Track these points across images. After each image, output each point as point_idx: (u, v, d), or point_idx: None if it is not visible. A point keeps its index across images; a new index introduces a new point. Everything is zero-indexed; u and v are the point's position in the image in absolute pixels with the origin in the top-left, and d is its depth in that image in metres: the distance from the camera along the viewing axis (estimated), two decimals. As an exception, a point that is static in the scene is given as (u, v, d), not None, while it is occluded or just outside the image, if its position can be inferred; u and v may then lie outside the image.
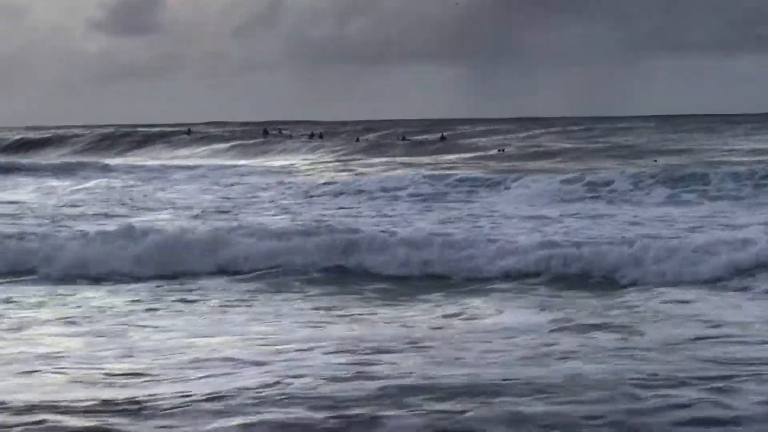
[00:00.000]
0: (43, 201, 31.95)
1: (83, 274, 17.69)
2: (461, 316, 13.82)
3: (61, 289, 16.35)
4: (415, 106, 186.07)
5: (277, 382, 9.71)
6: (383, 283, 16.93)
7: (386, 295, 15.81)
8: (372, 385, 9.54)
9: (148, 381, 10.00)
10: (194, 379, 10.04)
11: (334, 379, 9.82)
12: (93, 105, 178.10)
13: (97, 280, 17.37)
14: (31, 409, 8.93)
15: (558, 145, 64.20)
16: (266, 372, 10.21)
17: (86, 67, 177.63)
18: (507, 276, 17.26)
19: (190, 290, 16.23)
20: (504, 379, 9.76)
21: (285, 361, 10.78)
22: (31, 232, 21.14)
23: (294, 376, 9.95)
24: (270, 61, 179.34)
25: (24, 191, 36.70)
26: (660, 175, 32.47)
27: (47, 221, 24.92)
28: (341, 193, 33.69)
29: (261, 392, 9.34)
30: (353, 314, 14.03)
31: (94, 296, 15.75)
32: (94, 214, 26.98)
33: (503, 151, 59.85)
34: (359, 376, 9.96)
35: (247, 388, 9.47)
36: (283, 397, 9.19)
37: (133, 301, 15.36)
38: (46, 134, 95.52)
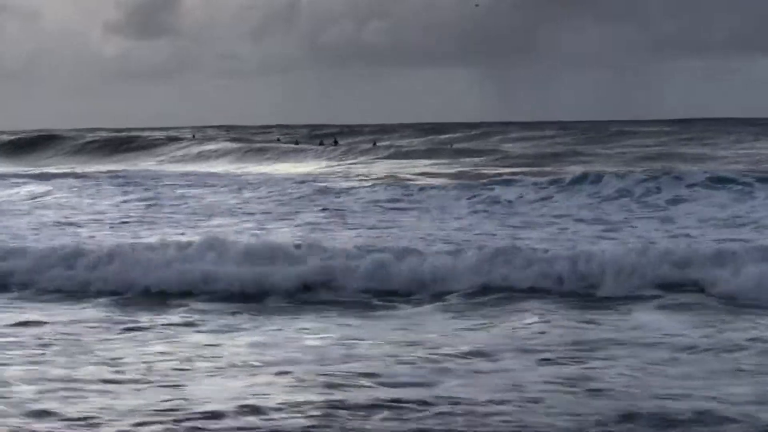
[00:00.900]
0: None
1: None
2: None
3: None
4: (432, 108, 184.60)
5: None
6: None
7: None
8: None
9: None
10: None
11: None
12: (108, 107, 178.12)
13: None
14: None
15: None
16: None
17: (102, 69, 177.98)
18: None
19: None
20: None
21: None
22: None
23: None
24: (286, 63, 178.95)
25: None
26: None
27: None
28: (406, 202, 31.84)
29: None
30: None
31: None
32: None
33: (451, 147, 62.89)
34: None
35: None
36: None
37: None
38: (43, 134, 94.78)
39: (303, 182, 39.09)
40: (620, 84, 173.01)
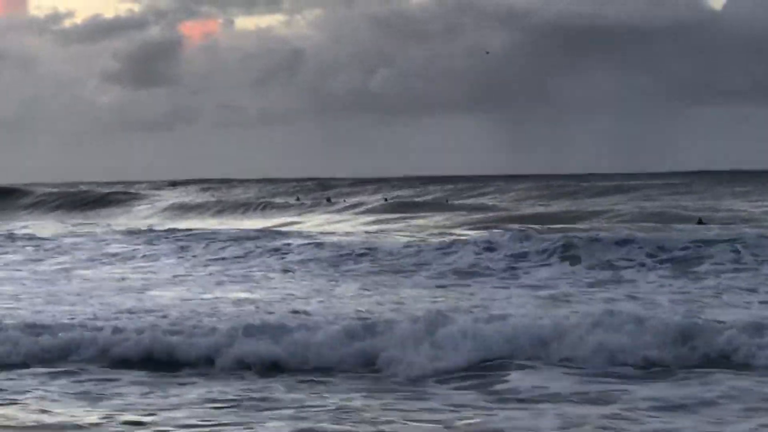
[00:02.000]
0: None
1: None
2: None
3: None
4: (442, 160, 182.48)
5: None
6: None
7: None
8: None
9: None
10: None
11: None
12: (105, 159, 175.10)
13: None
14: None
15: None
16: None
17: (98, 119, 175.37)
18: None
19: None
20: None
21: None
22: None
23: None
24: (289, 113, 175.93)
25: None
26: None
27: None
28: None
29: None
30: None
31: None
32: None
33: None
34: None
35: None
36: None
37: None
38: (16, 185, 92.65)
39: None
40: (634, 133, 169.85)
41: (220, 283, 25.89)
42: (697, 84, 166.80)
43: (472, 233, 34.94)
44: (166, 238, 36.35)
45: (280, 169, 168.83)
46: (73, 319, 18.59)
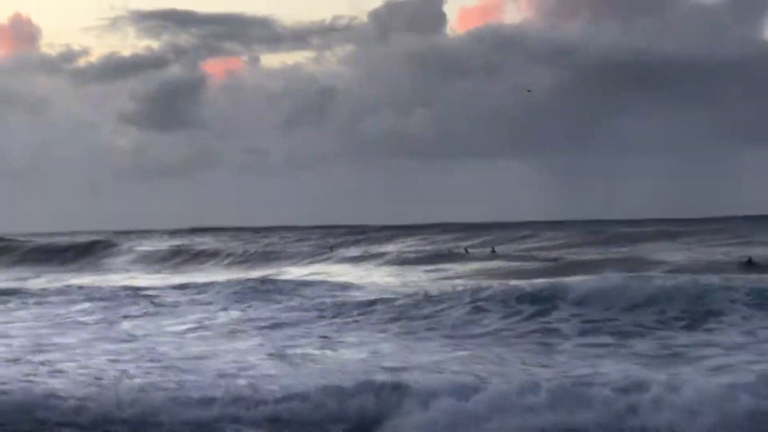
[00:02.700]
0: None
1: None
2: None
3: None
4: (481, 206, 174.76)
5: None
6: None
7: None
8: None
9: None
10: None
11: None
12: (121, 206, 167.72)
13: None
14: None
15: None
16: None
17: (115, 164, 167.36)
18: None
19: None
20: None
21: None
22: None
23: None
24: (318, 157, 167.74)
25: None
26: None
27: None
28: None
29: None
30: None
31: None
32: None
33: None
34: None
35: None
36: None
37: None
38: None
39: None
40: (688, 176, 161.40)
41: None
42: (755, 123, 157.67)
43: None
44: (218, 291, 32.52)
45: (308, 217, 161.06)
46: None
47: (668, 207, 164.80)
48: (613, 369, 16.97)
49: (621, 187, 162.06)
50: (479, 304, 25.39)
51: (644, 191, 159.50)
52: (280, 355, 19.65)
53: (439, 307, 25.64)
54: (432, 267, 48.68)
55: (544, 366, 17.86)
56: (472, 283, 33.21)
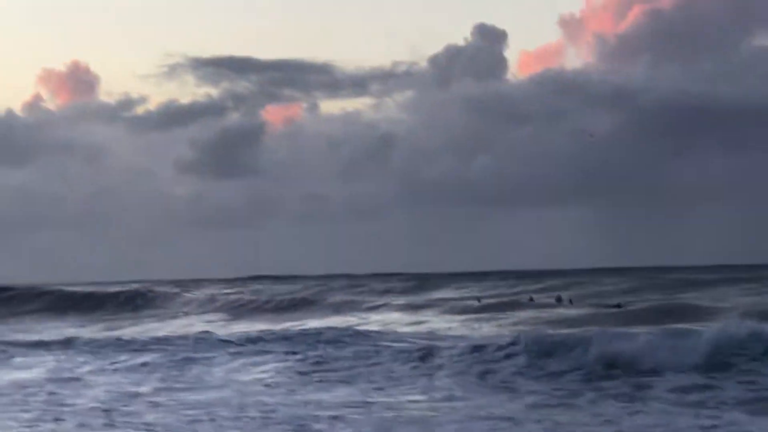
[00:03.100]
0: None
1: None
2: None
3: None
4: (543, 252, 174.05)
5: None
6: None
7: None
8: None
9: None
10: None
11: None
12: (180, 255, 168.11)
13: None
14: None
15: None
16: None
17: (174, 212, 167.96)
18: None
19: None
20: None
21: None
22: None
23: None
24: (379, 204, 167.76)
25: None
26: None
27: None
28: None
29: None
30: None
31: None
32: None
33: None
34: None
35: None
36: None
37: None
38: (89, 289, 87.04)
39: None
40: (753, 222, 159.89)
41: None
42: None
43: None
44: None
45: (369, 264, 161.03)
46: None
47: (732, 253, 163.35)
48: None
49: (684, 233, 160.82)
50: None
51: (707, 237, 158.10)
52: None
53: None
54: (503, 314, 48.45)
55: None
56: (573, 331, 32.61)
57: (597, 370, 23.58)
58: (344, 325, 41.68)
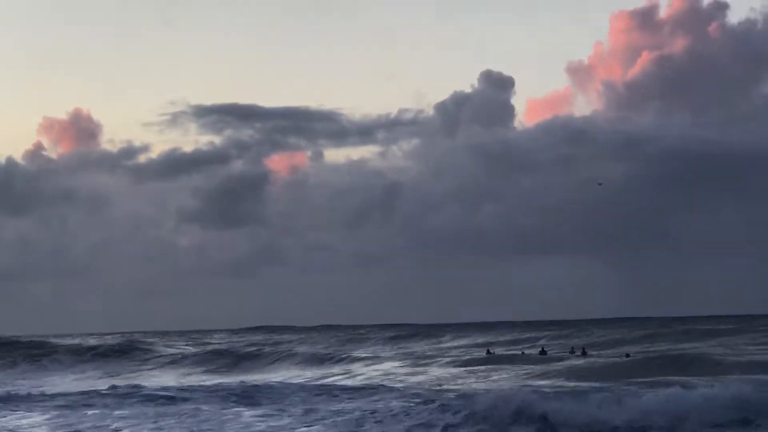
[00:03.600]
0: None
1: None
2: None
3: None
4: (552, 303, 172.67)
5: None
6: None
7: None
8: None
9: None
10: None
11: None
12: (183, 306, 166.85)
13: None
14: None
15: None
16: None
17: (176, 263, 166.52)
18: None
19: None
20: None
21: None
22: None
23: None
24: (385, 254, 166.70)
25: None
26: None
27: None
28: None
29: None
30: None
31: None
32: None
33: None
34: None
35: None
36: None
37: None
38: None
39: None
40: (761, 273, 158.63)
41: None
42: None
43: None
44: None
45: (375, 315, 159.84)
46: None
47: (739, 303, 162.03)
48: None
49: (695, 283, 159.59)
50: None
51: (715, 288, 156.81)
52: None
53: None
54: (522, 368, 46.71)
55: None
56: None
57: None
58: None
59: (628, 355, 55.47)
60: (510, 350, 65.32)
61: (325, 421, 25.42)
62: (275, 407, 28.65)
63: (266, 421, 25.86)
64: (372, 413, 26.05)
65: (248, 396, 32.42)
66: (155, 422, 26.42)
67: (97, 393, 34.98)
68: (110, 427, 25.93)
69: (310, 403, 29.48)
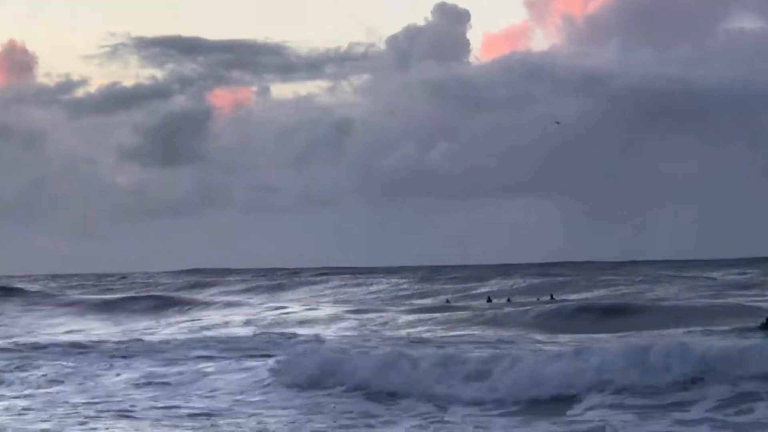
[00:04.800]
0: None
1: None
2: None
3: None
4: (505, 245, 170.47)
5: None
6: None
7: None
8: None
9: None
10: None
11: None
12: (122, 247, 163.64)
13: None
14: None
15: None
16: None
17: (115, 202, 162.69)
18: None
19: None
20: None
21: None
22: None
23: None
24: (334, 195, 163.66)
25: None
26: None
27: None
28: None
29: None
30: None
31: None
32: None
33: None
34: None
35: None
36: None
37: None
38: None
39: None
40: (728, 214, 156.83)
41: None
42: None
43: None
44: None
45: (322, 257, 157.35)
46: None
47: (699, 248, 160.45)
48: None
49: (655, 226, 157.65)
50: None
51: (679, 231, 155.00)
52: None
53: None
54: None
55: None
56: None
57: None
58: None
59: (552, 297, 54.75)
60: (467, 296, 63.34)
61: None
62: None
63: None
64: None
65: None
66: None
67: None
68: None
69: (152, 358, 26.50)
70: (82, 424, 17.16)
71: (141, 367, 24.08)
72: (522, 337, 31.88)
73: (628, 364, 19.03)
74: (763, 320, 33.59)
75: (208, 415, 18.00)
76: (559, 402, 18.21)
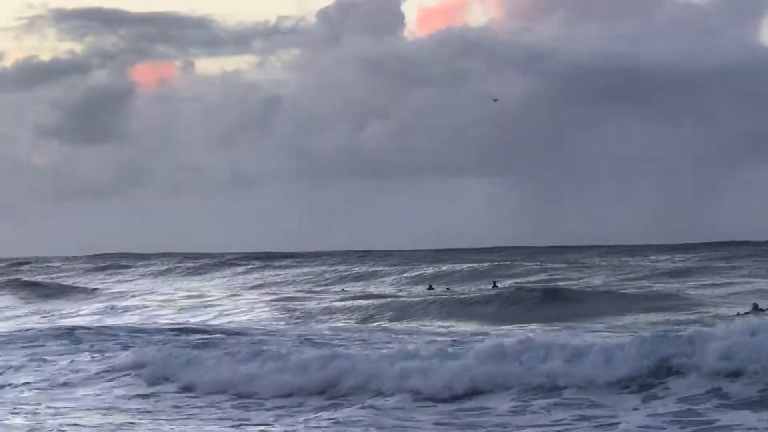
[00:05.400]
0: None
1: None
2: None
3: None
4: (443, 229, 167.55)
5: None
6: None
7: None
8: None
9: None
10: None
11: None
12: (38, 230, 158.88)
13: None
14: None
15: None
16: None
17: (31, 182, 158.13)
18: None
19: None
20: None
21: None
22: None
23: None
24: (261, 175, 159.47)
25: None
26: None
27: None
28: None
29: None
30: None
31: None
32: None
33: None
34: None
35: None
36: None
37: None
38: None
39: None
40: (675, 197, 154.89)
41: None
42: (749, 138, 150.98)
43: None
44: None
45: (248, 242, 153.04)
46: None
47: (649, 232, 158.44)
48: None
49: (599, 209, 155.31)
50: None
51: (624, 215, 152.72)
52: None
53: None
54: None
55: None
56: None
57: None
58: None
59: (495, 285, 54.81)
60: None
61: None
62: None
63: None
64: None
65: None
66: None
67: None
68: None
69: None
70: None
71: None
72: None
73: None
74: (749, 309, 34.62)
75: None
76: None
